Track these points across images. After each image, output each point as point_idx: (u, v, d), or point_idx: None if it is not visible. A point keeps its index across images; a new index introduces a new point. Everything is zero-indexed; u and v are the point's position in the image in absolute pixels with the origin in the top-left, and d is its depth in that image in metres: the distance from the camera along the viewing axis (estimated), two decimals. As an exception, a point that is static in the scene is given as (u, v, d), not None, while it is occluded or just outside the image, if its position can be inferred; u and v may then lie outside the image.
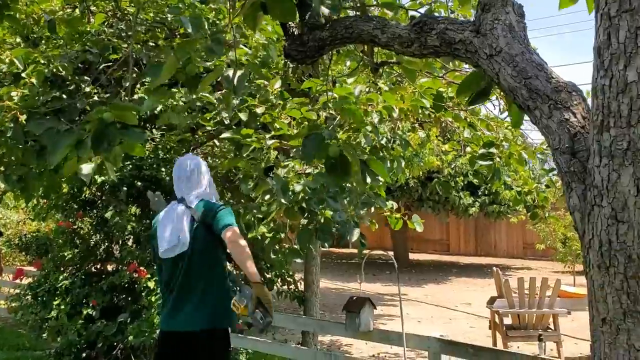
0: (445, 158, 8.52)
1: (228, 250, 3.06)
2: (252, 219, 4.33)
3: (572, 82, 1.84)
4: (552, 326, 6.24)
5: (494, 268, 7.02)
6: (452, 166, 11.25)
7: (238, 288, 3.15)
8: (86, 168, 2.75)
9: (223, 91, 3.83)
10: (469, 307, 9.80)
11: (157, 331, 3.44)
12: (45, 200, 6.25)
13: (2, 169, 5.88)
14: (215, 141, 6.15)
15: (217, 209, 3.16)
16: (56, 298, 5.41)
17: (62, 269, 5.82)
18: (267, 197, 4.00)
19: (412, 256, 17.56)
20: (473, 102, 2.38)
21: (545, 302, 6.19)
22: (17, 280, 7.50)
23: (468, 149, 5.15)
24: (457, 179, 12.72)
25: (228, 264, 3.31)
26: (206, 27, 2.88)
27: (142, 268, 5.20)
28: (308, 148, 2.38)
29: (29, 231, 9.11)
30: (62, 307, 5.33)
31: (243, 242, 3.03)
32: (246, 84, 4.35)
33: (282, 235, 4.66)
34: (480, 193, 13.54)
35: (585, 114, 1.77)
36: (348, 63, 4.74)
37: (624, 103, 1.52)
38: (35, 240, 8.10)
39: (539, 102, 1.83)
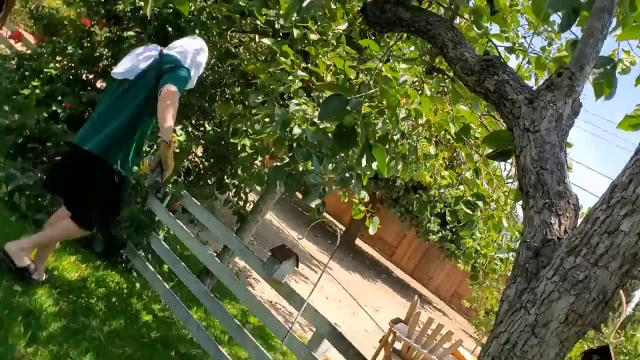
0: (439, 181, 8.58)
1: (158, 101, 3.17)
2: (244, 127, 4.34)
3: (577, 197, 1.86)
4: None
5: (416, 296, 7.18)
6: (441, 191, 11.34)
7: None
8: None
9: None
10: (375, 313, 10.05)
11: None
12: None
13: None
14: (257, 38, 6.08)
15: (176, 65, 3.36)
16: (37, 80, 5.39)
17: (56, 57, 5.76)
18: (266, 119, 4.00)
19: (358, 243, 17.81)
20: (492, 156, 2.41)
21: (439, 351, 6.37)
22: (12, 41, 7.43)
23: (462, 187, 5.19)
24: (438, 204, 12.81)
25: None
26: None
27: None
28: (328, 107, 2.37)
29: (49, 5, 8.95)
30: (38, 91, 5.31)
31: (171, 102, 3.14)
32: (317, 7, 4.29)
33: (260, 157, 4.69)
34: (448, 227, 13.68)
35: (570, 229, 1.80)
36: (412, 48, 4.69)
37: (604, 243, 1.55)
38: (49, 15, 7.98)
39: (538, 195, 1.85)
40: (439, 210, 13.17)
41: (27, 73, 5.83)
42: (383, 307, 10.82)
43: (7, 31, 9.12)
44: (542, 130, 1.90)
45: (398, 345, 6.57)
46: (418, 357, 6.43)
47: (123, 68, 3.43)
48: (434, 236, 13.63)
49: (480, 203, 4.15)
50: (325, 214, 17.34)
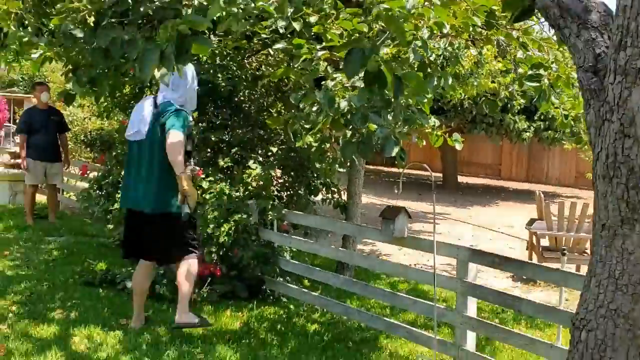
0: (503, 80, 8.40)
1: (166, 147, 3.78)
2: (300, 128, 4.55)
3: (603, 2, 1.91)
4: (588, 251, 6.36)
5: (537, 191, 7.09)
6: (510, 89, 11.06)
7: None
8: (162, 72, 3.01)
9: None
10: (511, 229, 9.95)
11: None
12: (109, 99, 6.64)
13: (72, 70, 6.24)
14: (270, 50, 6.31)
15: (172, 113, 3.87)
16: (119, 191, 5.88)
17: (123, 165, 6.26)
18: (314, 108, 4.19)
19: (462, 179, 17.59)
20: (517, 19, 2.48)
21: (584, 227, 6.28)
22: (85, 175, 8.08)
23: (520, 70, 5.13)
24: (514, 102, 12.46)
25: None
26: None
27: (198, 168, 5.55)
28: (351, 62, 2.53)
29: (93, 128, 9.65)
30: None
31: (178, 146, 3.78)
32: (302, -8, 4.44)
33: (328, 145, 4.88)
34: (536, 118, 13.27)
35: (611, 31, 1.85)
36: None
37: (642, 23, 1.61)
38: (99, 137, 8.62)
39: (568, 21, 1.91)
40: (519, 107, 12.81)
41: (108, 190, 6.37)
42: (515, 222, 10.66)
43: (73, 168, 9.89)
44: (541, -34, 1.96)
45: (545, 242, 6.53)
46: (569, 242, 6.36)
47: (132, 131, 4.00)
48: (527, 133, 13.25)
49: (541, 71, 4.12)
50: (416, 172, 17.29)
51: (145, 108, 4.00)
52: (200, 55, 4.78)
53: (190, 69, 4.10)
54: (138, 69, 2.49)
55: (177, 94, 4.00)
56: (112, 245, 6.30)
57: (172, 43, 2.45)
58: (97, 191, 6.54)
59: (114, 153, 6.50)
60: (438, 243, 3.78)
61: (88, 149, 9.52)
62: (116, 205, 5.85)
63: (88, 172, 7.66)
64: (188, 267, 4.00)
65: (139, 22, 4.46)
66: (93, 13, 4.05)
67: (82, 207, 6.88)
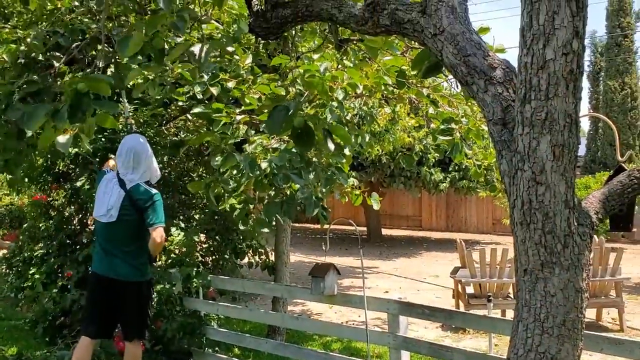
0: (417, 135, 8.76)
1: (150, 243, 3.89)
2: (222, 191, 4.50)
3: (506, 60, 2.04)
4: (512, 295, 6.55)
5: (458, 240, 7.31)
6: (424, 142, 11.52)
7: None
8: (62, 139, 2.88)
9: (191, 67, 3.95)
10: (437, 279, 10.14)
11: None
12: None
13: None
14: (188, 115, 6.27)
15: (149, 201, 3.91)
16: (31, 268, 5.53)
17: (36, 240, 5.92)
18: (235, 171, 4.17)
19: (386, 232, 17.89)
20: (425, 75, 2.60)
21: (506, 272, 6.50)
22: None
23: (433, 125, 5.36)
24: (429, 155, 12.99)
25: None
26: (177, 2, 3.00)
27: None
28: (275, 119, 2.55)
29: (2, 205, 9.14)
30: (37, 276, 5.44)
31: (161, 244, 3.94)
32: (217, 58, 4.49)
33: (252, 206, 4.84)
34: (450, 169, 13.85)
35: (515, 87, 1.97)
36: (315, 42, 4.89)
37: (543, 78, 1.72)
38: (8, 213, 8.16)
39: (476, 78, 2.02)
40: (434, 160, 13.36)
41: (19, 268, 5.97)
42: (440, 271, 10.89)
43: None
44: (446, 27, 2.07)
45: (470, 289, 6.68)
46: (493, 287, 6.54)
47: (101, 212, 3.98)
48: (444, 184, 13.78)
49: (453, 125, 4.32)
50: (341, 227, 17.45)
51: (115, 192, 3.96)
52: (115, 127, 4.68)
53: (128, 142, 4.11)
54: (25, 121, 2.35)
55: (139, 173, 4.00)
56: (25, 326, 5.85)
57: (66, 101, 2.34)
58: (7, 270, 6.11)
59: (24, 227, 6.15)
60: (368, 298, 3.78)
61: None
62: (28, 283, 5.49)
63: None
64: (138, 353, 4.05)
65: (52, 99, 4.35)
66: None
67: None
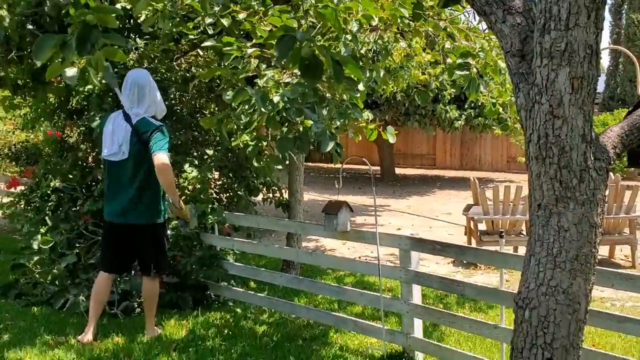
0: (432, 71, 8.58)
1: (156, 171, 3.84)
2: (235, 127, 4.48)
3: (525, -12, 1.95)
4: (525, 232, 6.58)
5: (472, 178, 7.29)
6: (440, 79, 11.31)
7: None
8: (70, 71, 2.85)
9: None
10: (449, 217, 10.19)
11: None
12: (33, 109, 6.35)
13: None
14: (199, 50, 6.17)
15: (153, 130, 3.88)
16: (49, 203, 5.61)
17: (50, 176, 5.97)
18: (247, 107, 4.13)
19: (399, 170, 17.89)
20: (445, 4, 2.52)
21: (519, 209, 6.50)
22: (12, 189, 7.70)
23: (449, 60, 5.23)
24: (444, 92, 12.77)
25: None
26: None
27: None
28: (281, 49, 2.49)
29: (18, 141, 9.21)
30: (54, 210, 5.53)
31: (168, 168, 3.88)
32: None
33: (265, 143, 4.83)
34: (466, 106, 13.65)
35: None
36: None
37: (563, 7, 1.65)
38: (24, 150, 8.24)
39: (494, 8, 1.95)
40: (449, 97, 13.15)
41: (36, 204, 6.07)
42: (453, 209, 10.93)
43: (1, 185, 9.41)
44: (464, -46, 1.98)
45: (482, 226, 6.71)
46: (505, 225, 6.56)
47: (108, 151, 3.97)
48: (459, 121, 13.61)
49: (470, 60, 4.21)
50: (355, 166, 17.46)
51: (122, 127, 3.95)
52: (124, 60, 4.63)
53: (132, 76, 4.10)
54: (33, 52, 2.32)
55: (144, 107, 4.00)
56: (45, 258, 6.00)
57: (75, 33, 2.29)
58: (25, 206, 6.22)
59: (40, 164, 6.21)
60: (380, 234, 3.81)
61: (13, 163, 9.06)
62: (46, 218, 5.59)
63: (17, 185, 7.28)
64: (157, 289, 4.17)
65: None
66: (4, 5, 3.88)
67: (14, 223, 6.52)
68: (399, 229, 8.57)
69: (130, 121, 3.95)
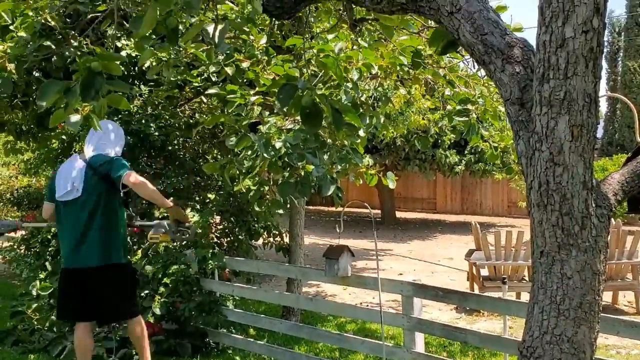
0: (432, 117, 8.67)
1: (135, 190, 3.74)
2: (237, 172, 4.51)
3: (524, 39, 1.99)
4: (527, 278, 6.53)
5: (473, 222, 7.27)
6: (439, 125, 11.43)
7: (150, 225, 3.98)
8: (74, 118, 2.89)
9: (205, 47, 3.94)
10: (451, 262, 10.12)
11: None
12: (36, 155, 6.41)
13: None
14: (202, 97, 6.27)
15: (111, 160, 3.81)
16: (49, 248, 5.60)
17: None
18: (249, 152, 4.17)
19: (400, 214, 17.87)
20: (443, 52, 2.56)
21: (521, 254, 6.46)
22: (13, 234, 7.67)
23: (449, 107, 5.30)
24: (444, 137, 12.89)
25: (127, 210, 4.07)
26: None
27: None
28: (283, 97, 2.53)
29: (20, 186, 9.24)
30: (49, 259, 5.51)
31: (145, 181, 3.75)
32: (232, 39, 4.47)
33: (266, 188, 4.85)
34: (466, 152, 13.75)
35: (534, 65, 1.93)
36: (328, 23, 4.84)
37: (562, 57, 1.69)
38: (26, 195, 8.25)
39: (493, 57, 1.98)
40: (449, 143, 13.26)
41: (37, 249, 6.05)
42: (455, 254, 10.87)
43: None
44: (463, 5, 2.03)
45: (484, 272, 6.66)
46: (508, 270, 6.51)
47: (65, 190, 3.82)
48: (459, 166, 13.69)
49: (469, 105, 4.27)
50: (355, 210, 17.45)
51: (75, 167, 3.86)
52: (128, 108, 4.71)
53: (108, 122, 4.09)
54: (37, 97, 2.36)
55: (100, 144, 3.92)
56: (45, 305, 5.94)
57: (80, 79, 2.33)
58: (26, 251, 6.20)
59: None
60: (382, 280, 3.78)
61: (15, 208, 9.07)
62: (46, 264, 5.56)
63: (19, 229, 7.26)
64: (142, 329, 3.94)
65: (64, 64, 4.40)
66: (14, 60, 3.96)
67: (14, 268, 6.47)
68: (400, 273, 8.50)
69: (83, 159, 3.87)
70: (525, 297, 6.49)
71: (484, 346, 4.24)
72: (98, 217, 3.75)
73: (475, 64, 4.55)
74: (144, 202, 5.64)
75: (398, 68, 4.11)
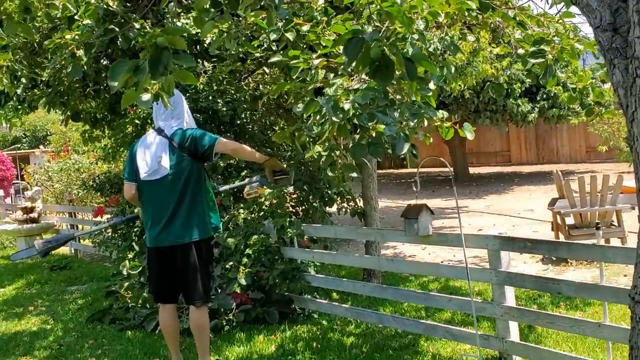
0: (500, 65, 8.30)
1: (233, 154, 4.02)
2: (307, 139, 4.47)
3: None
4: (615, 222, 6.21)
5: (555, 170, 6.96)
6: (507, 73, 10.94)
7: (241, 184, 4.17)
8: (145, 97, 2.91)
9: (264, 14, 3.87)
10: (531, 213, 9.80)
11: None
12: (112, 140, 6.62)
13: (72, 116, 6.20)
14: (265, 68, 6.25)
15: (194, 132, 3.74)
16: (135, 229, 5.80)
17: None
18: (318, 117, 4.11)
19: (473, 170, 17.45)
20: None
21: (608, 199, 6.14)
22: (98, 218, 8.04)
23: (521, 51, 5.03)
24: (514, 85, 12.38)
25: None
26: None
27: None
28: (350, 51, 2.44)
29: (101, 172, 9.63)
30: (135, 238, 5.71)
31: (231, 144, 3.85)
32: (289, 4, 4.39)
33: (337, 153, 4.79)
34: (538, 98, 13.16)
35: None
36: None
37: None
38: (107, 180, 8.58)
39: (577, -19, 1.82)
40: (520, 90, 12.72)
41: (122, 231, 6.30)
42: (534, 205, 10.52)
43: (85, 214, 9.85)
44: None
45: (570, 220, 6.38)
46: (594, 217, 6.22)
47: (150, 170, 3.71)
48: (532, 114, 13.13)
49: (544, 46, 4.02)
50: (426, 169, 17.17)
51: (157, 144, 3.74)
52: (195, 83, 4.76)
53: (179, 94, 3.95)
54: (108, 78, 2.36)
55: (178, 121, 3.81)
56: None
57: (147, 56, 2.32)
58: (113, 233, 6.47)
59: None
60: (466, 235, 3.67)
61: (98, 194, 9.48)
62: (134, 245, 5.77)
63: (103, 214, 7.61)
64: (205, 319, 3.81)
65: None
66: (81, 46, 4.07)
67: (103, 250, 6.79)
68: (480, 230, 8.30)
69: (165, 135, 3.75)
70: (614, 242, 6.18)
71: (580, 296, 4.07)
72: (188, 193, 3.69)
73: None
74: (219, 178, 5.73)
75: (465, 13, 3.91)
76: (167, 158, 3.67)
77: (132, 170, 3.80)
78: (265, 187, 3.99)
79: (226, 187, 4.53)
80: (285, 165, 3.91)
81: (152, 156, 3.71)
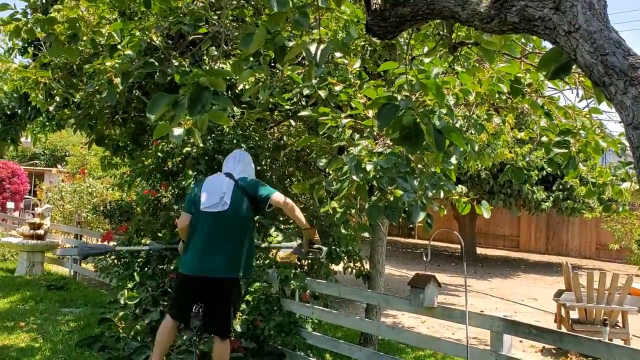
0: (520, 151, 8.38)
1: (283, 209, 4.11)
2: (325, 194, 4.51)
3: (650, 60, 1.87)
4: (620, 323, 6.10)
5: (564, 262, 6.90)
6: (527, 159, 11.03)
7: (285, 246, 4.49)
8: (177, 131, 2.99)
9: (306, 67, 3.99)
10: (535, 302, 9.65)
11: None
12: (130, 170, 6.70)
13: (97, 140, 6.30)
14: (291, 120, 6.37)
15: (257, 182, 4.19)
16: (139, 259, 5.79)
17: (142, 233, 6.19)
18: (339, 174, 4.16)
19: (480, 250, 17.32)
20: (554, 76, 2.43)
21: (615, 298, 6.06)
22: (105, 243, 8.04)
23: (544, 139, 5.10)
24: (532, 172, 12.44)
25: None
26: (290, 5, 3.05)
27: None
28: (383, 116, 2.51)
29: (113, 200, 9.70)
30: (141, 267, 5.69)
31: (289, 203, 4.09)
32: (326, 64, 4.53)
33: (353, 211, 4.82)
34: (554, 188, 13.18)
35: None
36: (426, 49, 4.80)
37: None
38: (118, 207, 8.64)
39: (614, 79, 1.87)
40: (537, 178, 12.77)
41: (126, 260, 6.29)
42: (538, 294, 10.38)
43: (90, 238, 9.86)
44: (582, 25, 1.94)
45: (574, 315, 6.28)
46: (599, 315, 6.12)
47: (213, 202, 4.07)
48: (546, 203, 13.11)
49: (569, 137, 4.08)
50: (433, 243, 17.08)
51: (223, 182, 4.15)
52: (227, 124, 4.88)
53: (238, 151, 4.52)
54: (147, 109, 2.43)
55: (243, 169, 4.27)
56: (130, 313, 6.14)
57: (187, 93, 2.41)
58: (116, 260, 6.45)
59: (133, 220, 6.47)
60: (470, 313, 3.63)
61: (107, 220, 9.51)
62: (134, 274, 5.74)
63: (110, 240, 7.60)
64: (228, 351, 4.09)
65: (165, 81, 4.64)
66: (119, 74, 4.21)
67: (103, 276, 6.76)
68: (482, 311, 8.16)
69: (232, 178, 4.16)
70: (617, 343, 6.03)
71: (578, 393, 3.96)
72: (240, 232, 4.04)
73: (580, 91, 4.35)
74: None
75: (496, 95, 4.00)
76: (230, 196, 4.05)
77: (191, 204, 4.16)
78: (297, 254, 4.34)
79: (265, 244, 4.84)
80: (319, 239, 4.21)
81: (216, 191, 4.09)
